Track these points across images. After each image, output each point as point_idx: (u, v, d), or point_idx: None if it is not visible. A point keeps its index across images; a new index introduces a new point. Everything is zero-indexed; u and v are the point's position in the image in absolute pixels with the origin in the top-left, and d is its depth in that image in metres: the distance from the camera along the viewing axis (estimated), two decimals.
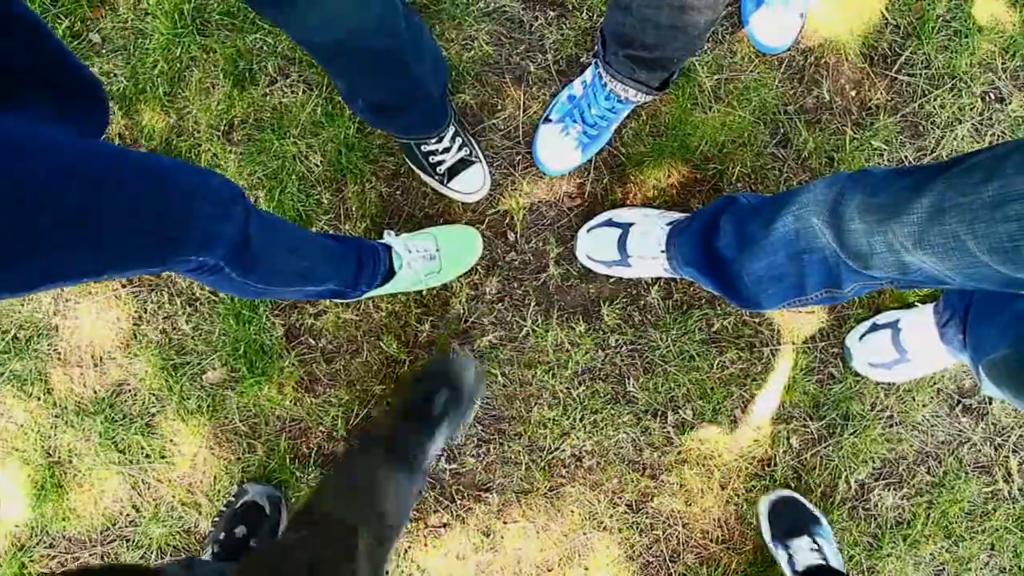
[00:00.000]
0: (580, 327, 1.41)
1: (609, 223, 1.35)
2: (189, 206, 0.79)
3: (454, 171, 1.35)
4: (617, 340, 1.41)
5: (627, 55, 1.11)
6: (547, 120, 1.37)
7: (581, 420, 1.41)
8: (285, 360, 1.40)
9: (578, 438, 1.42)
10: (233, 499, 1.38)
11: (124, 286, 1.41)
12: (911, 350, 1.35)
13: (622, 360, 1.42)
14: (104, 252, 0.73)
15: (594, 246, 1.36)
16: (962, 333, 1.26)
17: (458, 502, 1.42)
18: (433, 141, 1.32)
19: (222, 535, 1.34)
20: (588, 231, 1.36)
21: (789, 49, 1.42)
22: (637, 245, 1.31)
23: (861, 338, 1.40)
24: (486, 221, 1.41)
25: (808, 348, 1.43)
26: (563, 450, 1.42)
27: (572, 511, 1.42)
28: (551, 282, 1.42)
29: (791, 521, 1.36)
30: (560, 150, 1.35)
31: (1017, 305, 1.12)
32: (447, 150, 1.33)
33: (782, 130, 1.42)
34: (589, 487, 1.42)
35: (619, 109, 1.29)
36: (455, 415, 1.26)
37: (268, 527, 1.36)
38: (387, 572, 1.41)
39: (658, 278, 1.41)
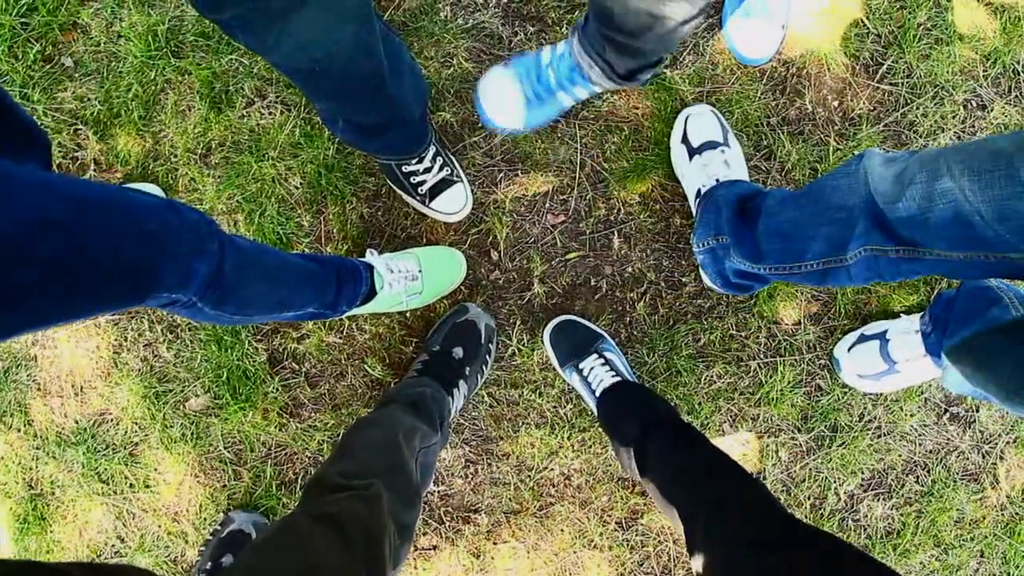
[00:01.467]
0: None
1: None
2: (165, 245, 0.78)
3: (436, 191, 1.34)
4: None
5: (603, 33, 1.09)
6: (505, 64, 1.29)
7: (569, 439, 1.41)
8: (269, 385, 1.39)
9: (566, 457, 1.41)
10: (219, 527, 1.37)
11: None
12: (899, 361, 1.35)
13: None
14: (82, 298, 0.72)
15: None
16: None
17: (447, 524, 1.41)
18: (414, 161, 1.30)
19: (209, 564, 1.33)
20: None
21: (771, 60, 1.41)
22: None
23: (849, 349, 1.40)
24: (468, 240, 1.40)
25: (795, 361, 1.42)
26: (552, 469, 1.41)
27: (562, 530, 1.41)
28: (536, 300, 1.41)
29: (573, 342, 1.35)
30: (504, 99, 1.28)
31: (991, 312, 1.13)
32: (428, 170, 1.32)
33: (765, 142, 1.41)
34: (579, 505, 1.41)
35: (576, 82, 1.26)
36: (474, 368, 1.29)
37: None
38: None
39: (643, 293, 1.41)
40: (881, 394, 1.43)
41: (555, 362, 1.37)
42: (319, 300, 1.16)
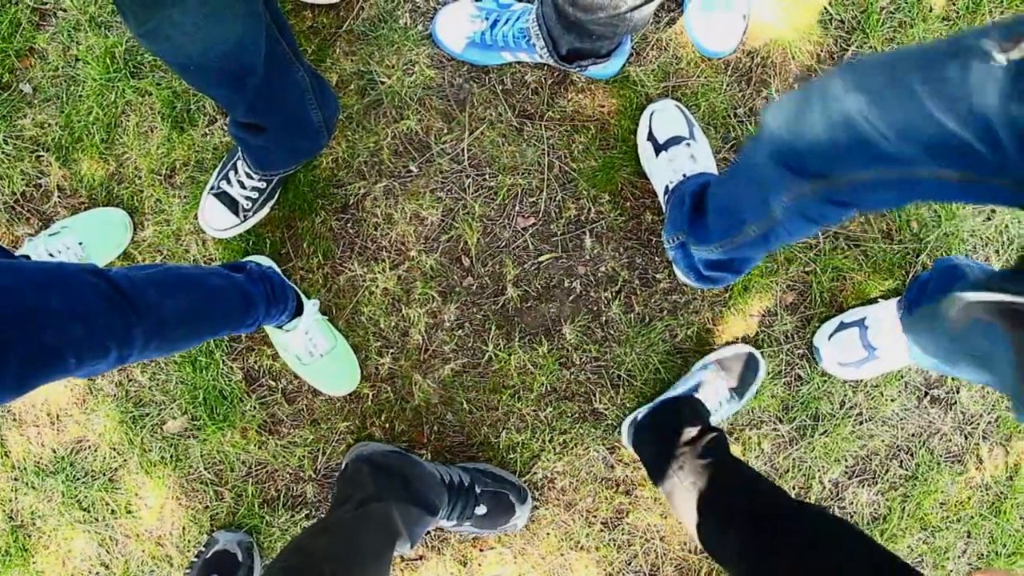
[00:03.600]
0: (543, 347, 1.39)
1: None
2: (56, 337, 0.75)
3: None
4: (581, 358, 1.40)
5: (557, 4, 1.09)
6: None
7: (550, 441, 1.40)
8: (246, 404, 1.38)
9: (549, 460, 1.41)
10: (204, 549, 1.36)
11: None
12: (879, 347, 1.34)
13: (587, 378, 1.40)
14: None
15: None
16: None
17: (432, 533, 1.40)
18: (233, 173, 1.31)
19: None
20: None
21: (734, 51, 1.40)
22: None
23: (829, 338, 1.39)
24: (440, 248, 1.39)
25: (773, 352, 1.42)
26: (535, 473, 1.41)
27: (548, 533, 1.41)
28: (510, 304, 1.40)
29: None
30: (456, 25, 1.34)
31: (955, 288, 1.14)
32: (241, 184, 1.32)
33: (733, 134, 1.40)
34: (563, 508, 1.41)
35: (522, 47, 1.28)
36: (485, 518, 1.30)
37: (243, 573, 1.34)
38: None
39: (618, 292, 1.40)
40: (861, 381, 1.43)
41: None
42: (246, 324, 1.13)
